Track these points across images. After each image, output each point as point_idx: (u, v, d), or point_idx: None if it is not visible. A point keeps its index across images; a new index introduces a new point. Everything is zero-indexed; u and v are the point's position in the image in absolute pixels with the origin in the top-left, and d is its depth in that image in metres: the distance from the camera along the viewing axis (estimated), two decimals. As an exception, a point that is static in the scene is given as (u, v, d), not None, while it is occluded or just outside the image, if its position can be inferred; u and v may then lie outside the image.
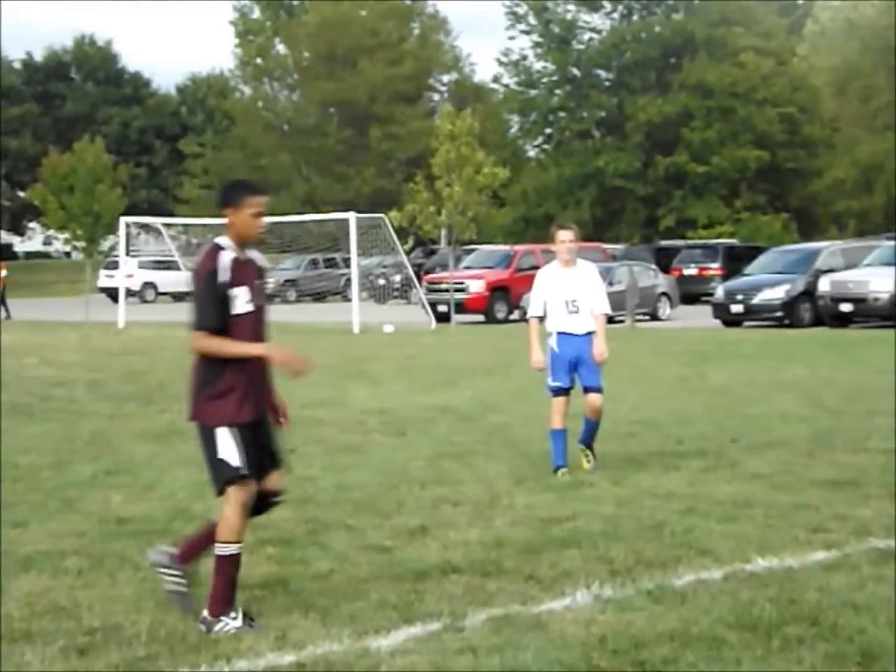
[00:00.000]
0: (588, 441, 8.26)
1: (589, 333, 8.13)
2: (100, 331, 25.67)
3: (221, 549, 4.80)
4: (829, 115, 52.87)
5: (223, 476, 4.78)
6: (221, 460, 4.76)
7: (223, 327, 4.73)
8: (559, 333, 8.14)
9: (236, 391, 4.77)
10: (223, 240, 4.82)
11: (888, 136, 47.68)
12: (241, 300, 4.77)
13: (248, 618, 4.79)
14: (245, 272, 4.81)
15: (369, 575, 5.53)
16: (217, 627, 4.72)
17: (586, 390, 8.17)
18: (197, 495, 7.36)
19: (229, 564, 4.80)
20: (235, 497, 4.79)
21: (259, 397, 4.88)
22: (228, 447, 4.77)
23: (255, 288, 4.83)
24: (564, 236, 8.18)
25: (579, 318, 8.12)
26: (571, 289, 8.11)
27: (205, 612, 4.78)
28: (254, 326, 4.83)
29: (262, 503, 4.95)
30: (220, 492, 4.83)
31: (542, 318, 8.32)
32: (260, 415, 4.89)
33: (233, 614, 4.75)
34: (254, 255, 4.93)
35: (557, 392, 8.11)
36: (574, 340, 8.08)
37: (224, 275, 4.72)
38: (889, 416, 10.22)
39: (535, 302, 8.31)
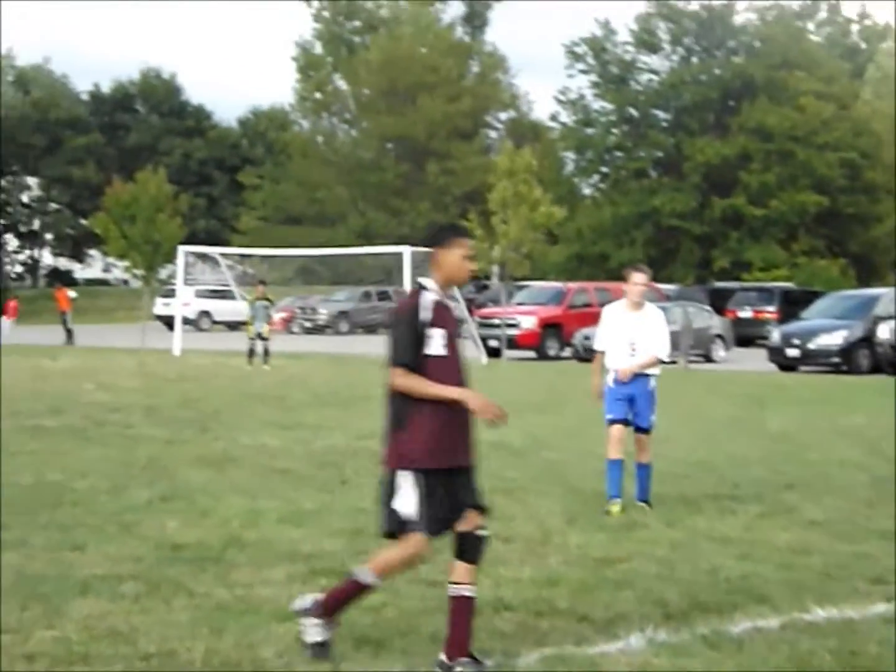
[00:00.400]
0: (644, 496, 8.33)
1: (645, 375, 8.34)
2: (156, 357, 26.00)
3: (363, 574, 4.68)
4: (891, 161, 52.37)
5: (393, 525, 4.62)
6: (394, 509, 4.59)
7: (418, 366, 4.60)
8: (616, 372, 8.34)
9: (428, 434, 4.58)
10: (427, 281, 4.77)
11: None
12: (438, 342, 4.64)
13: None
14: (445, 316, 4.71)
15: (421, 609, 5.51)
16: (306, 621, 4.70)
17: (637, 430, 8.41)
18: (251, 523, 7.41)
19: (358, 589, 4.71)
20: (405, 549, 4.61)
21: (458, 444, 4.67)
22: (407, 495, 4.59)
23: (452, 334, 4.72)
24: (639, 279, 8.28)
25: (636, 361, 8.31)
26: (634, 331, 8.29)
27: (314, 598, 4.73)
28: (449, 372, 4.66)
29: (468, 543, 4.68)
30: (387, 536, 4.67)
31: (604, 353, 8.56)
32: (455, 463, 4.65)
33: (317, 622, 4.69)
34: (453, 303, 4.87)
35: (612, 422, 8.36)
36: (629, 381, 8.30)
37: (425, 313, 4.64)
38: (951, 466, 10.01)
39: (599, 337, 8.57)
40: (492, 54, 66.95)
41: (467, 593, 4.67)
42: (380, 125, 60.79)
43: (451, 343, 4.69)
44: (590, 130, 55.59)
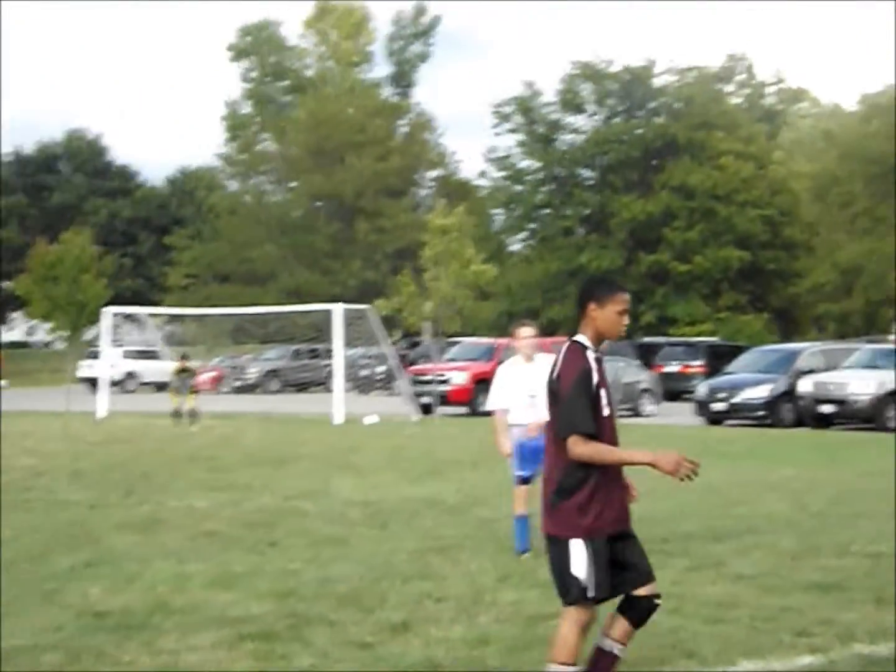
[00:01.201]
0: None
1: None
2: (81, 420, 25.50)
3: (555, 670, 4.52)
4: (808, 218, 53.91)
5: (573, 593, 4.51)
6: (574, 576, 4.48)
7: (597, 431, 4.43)
8: (520, 426, 8.60)
9: (598, 500, 4.48)
10: (581, 337, 4.57)
11: (866, 240, 48.57)
12: (604, 402, 4.50)
13: None
14: (603, 374, 4.56)
15: (352, 673, 5.45)
16: None
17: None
18: (178, 587, 7.27)
19: None
20: (576, 617, 4.51)
21: (622, 507, 4.62)
22: (580, 562, 4.47)
23: (609, 392, 4.58)
24: (526, 332, 8.63)
25: (539, 412, 8.39)
26: (532, 384, 8.48)
27: None
28: (612, 432, 4.55)
29: (641, 607, 4.61)
30: (569, 604, 4.55)
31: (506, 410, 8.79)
32: (623, 527, 4.62)
33: None
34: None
35: (522, 481, 8.63)
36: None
37: (596, 375, 4.47)
38: (873, 519, 10.23)
39: (495, 395, 8.80)
40: (420, 114, 67.78)
41: (617, 652, 4.64)
42: (308, 184, 60.96)
43: (610, 402, 4.56)
44: (518, 188, 56.36)
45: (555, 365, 4.54)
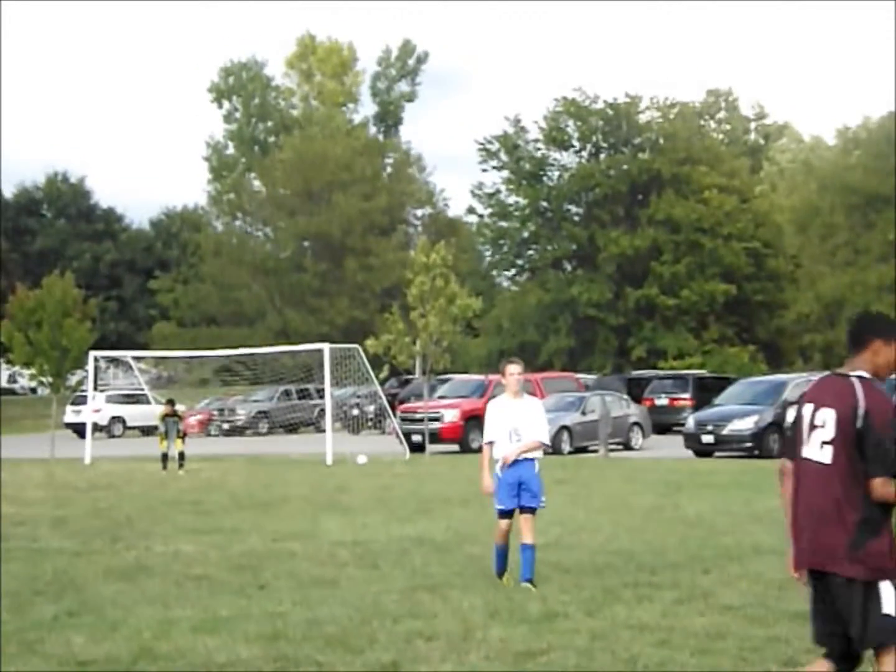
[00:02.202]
0: (529, 576, 8.71)
1: (531, 459, 8.89)
2: (65, 466, 25.30)
3: None
4: (791, 250, 54.29)
5: (889, 634, 4.41)
6: (887, 615, 4.39)
7: None
8: (501, 458, 8.87)
9: (893, 542, 4.44)
10: (863, 373, 4.47)
11: (849, 271, 48.89)
12: None
13: None
14: None
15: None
16: None
17: (521, 510, 8.89)
18: (163, 634, 7.20)
19: None
20: None
21: None
22: (892, 601, 4.40)
23: None
24: (514, 370, 8.91)
25: (520, 446, 8.85)
26: (516, 420, 8.83)
27: None
28: None
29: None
30: (877, 647, 4.44)
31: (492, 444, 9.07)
32: None
33: None
34: None
35: (502, 514, 8.88)
36: (516, 466, 8.82)
37: None
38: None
39: (487, 430, 9.06)
40: (406, 152, 68.16)
41: None
42: (295, 224, 61.14)
43: None
44: (505, 223, 56.60)
45: (854, 400, 4.38)
